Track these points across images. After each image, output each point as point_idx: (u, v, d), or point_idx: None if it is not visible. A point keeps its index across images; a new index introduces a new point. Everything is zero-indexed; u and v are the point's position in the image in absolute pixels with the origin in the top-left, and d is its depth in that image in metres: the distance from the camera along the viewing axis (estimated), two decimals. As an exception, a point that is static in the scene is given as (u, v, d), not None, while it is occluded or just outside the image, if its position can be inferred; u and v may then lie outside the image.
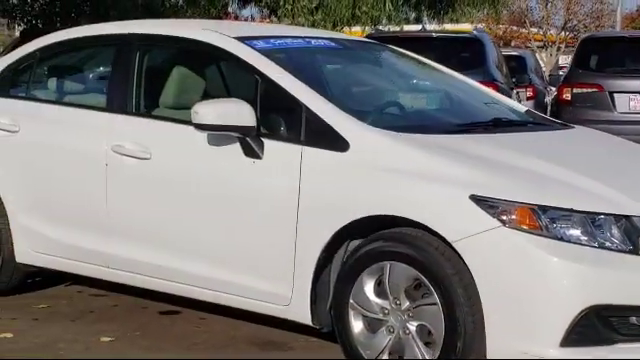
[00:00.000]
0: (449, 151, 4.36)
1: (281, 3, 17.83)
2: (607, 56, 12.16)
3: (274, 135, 4.73)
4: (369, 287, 4.35)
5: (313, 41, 5.49)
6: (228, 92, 5.15)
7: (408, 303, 4.26)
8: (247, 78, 4.97)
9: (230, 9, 21.67)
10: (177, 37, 5.35)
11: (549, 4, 54.53)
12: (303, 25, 16.88)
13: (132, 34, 5.47)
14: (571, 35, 55.06)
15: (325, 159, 4.48)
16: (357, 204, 4.34)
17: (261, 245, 4.67)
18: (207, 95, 5.27)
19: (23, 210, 5.70)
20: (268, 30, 6.07)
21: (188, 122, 4.96)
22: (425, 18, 20.40)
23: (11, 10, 17.64)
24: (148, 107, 5.38)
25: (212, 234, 4.86)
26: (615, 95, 11.55)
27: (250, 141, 4.66)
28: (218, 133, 4.71)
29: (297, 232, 4.51)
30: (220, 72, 5.53)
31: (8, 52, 11.38)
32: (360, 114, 4.61)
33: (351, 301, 4.39)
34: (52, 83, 5.92)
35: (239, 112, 4.62)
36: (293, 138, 4.63)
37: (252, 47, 5.00)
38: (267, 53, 4.95)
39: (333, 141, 4.48)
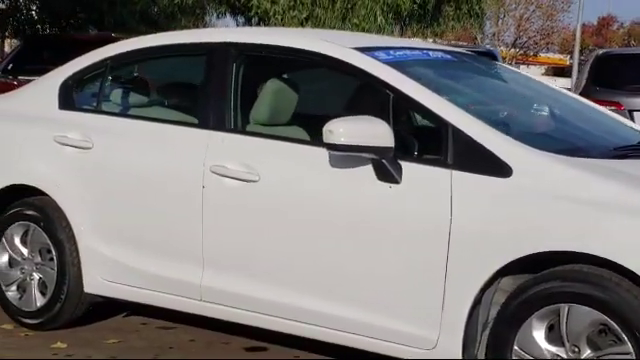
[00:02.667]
0: (630, 177, 3.75)
1: (271, 14, 17.15)
2: (625, 73, 11.66)
3: (413, 157, 4.09)
4: (539, 332, 3.73)
5: (430, 53, 4.84)
6: (348, 109, 4.47)
7: (590, 351, 3.63)
8: (373, 93, 4.32)
9: (216, 20, 20.95)
10: (285, 47, 4.67)
11: (500, 21, 54.55)
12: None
13: (229, 43, 4.77)
14: (521, 52, 55.24)
15: (482, 185, 3.85)
16: (525, 238, 3.72)
17: (399, 281, 4.03)
18: (322, 112, 4.60)
19: (95, 235, 5.00)
20: (373, 40, 5.38)
21: (305, 141, 4.39)
22: (409, 32, 19.89)
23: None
24: (252, 124, 4.70)
25: (335, 268, 4.21)
26: (635, 114, 11.05)
27: (387, 164, 4.01)
28: (351, 154, 4.03)
29: (447, 268, 3.88)
30: (337, 86, 4.87)
31: (12, 57, 10.63)
32: (515, 135, 3.98)
33: (515, 348, 3.76)
34: (128, 95, 5.23)
35: (377, 131, 3.98)
36: (438, 161, 3.99)
37: (376, 59, 4.34)
38: (395, 65, 4.31)
39: (491, 165, 3.85)
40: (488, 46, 12.21)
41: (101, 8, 15.21)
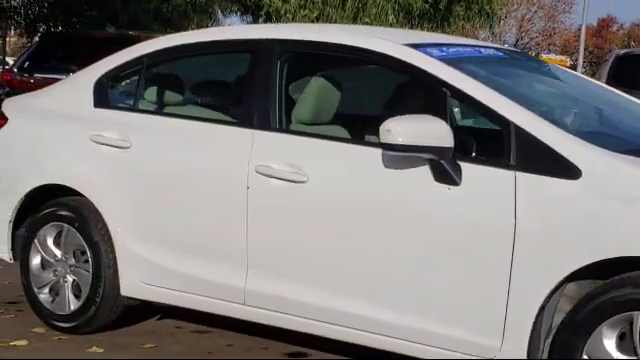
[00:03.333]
0: None
1: (282, 12, 16.98)
2: (646, 73, 11.51)
3: (472, 158, 3.91)
4: (610, 341, 3.55)
5: (482, 50, 4.66)
6: (397, 107, 4.29)
7: (665, 361, 3.45)
8: (426, 91, 4.13)
9: (224, 18, 20.78)
10: (334, 44, 4.48)
11: (502, 21, 54.43)
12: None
13: (274, 40, 4.58)
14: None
15: (550, 188, 3.67)
16: (596, 243, 3.54)
17: (458, 287, 3.84)
18: (366, 112, 4.41)
19: (132, 236, 4.82)
20: (422, 37, 5.20)
21: (356, 141, 4.23)
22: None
23: (11, 13, 16.53)
24: (294, 123, 4.51)
25: (388, 273, 4.02)
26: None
27: (446, 164, 3.83)
28: (409, 155, 3.85)
29: (511, 274, 3.70)
30: (387, 84, 4.68)
31: (28, 55, 10.45)
32: (581, 135, 3.80)
33: (585, 357, 3.58)
34: (166, 93, 5.02)
35: (436, 131, 3.80)
36: (499, 162, 3.81)
37: (430, 55, 4.16)
38: (449, 62, 4.12)
39: (558, 166, 3.67)
40: (506, 45, 12.00)
41: (115, 6, 15.03)
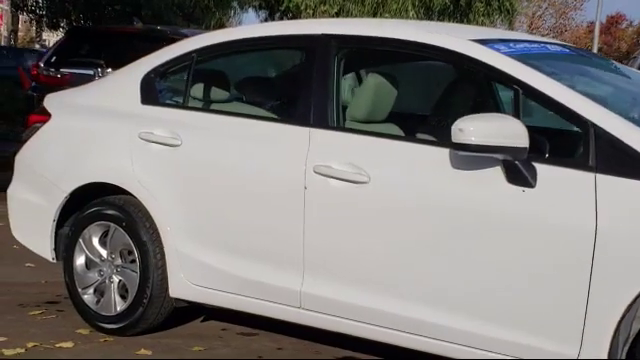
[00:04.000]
0: None
1: (302, 8, 16.80)
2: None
3: (547, 158, 3.74)
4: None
5: (549, 46, 4.49)
6: (462, 105, 4.13)
7: None
8: (495, 89, 3.96)
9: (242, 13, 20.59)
10: (395, 40, 4.31)
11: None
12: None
13: (331, 35, 4.41)
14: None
15: (632, 190, 3.50)
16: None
17: (533, 293, 3.68)
18: (435, 109, 4.25)
19: (182, 236, 4.66)
20: (485, 32, 5.01)
21: (421, 140, 4.09)
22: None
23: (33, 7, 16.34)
24: (352, 120, 4.36)
25: (456, 278, 3.85)
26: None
27: (520, 165, 3.66)
28: (482, 155, 3.68)
29: (591, 280, 3.53)
30: (452, 81, 4.51)
31: (55, 50, 10.29)
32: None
33: (668, 367, 3.41)
34: (216, 90, 4.86)
35: (511, 131, 3.64)
36: (577, 163, 3.64)
37: (498, 51, 3.99)
38: (519, 59, 3.95)
39: None
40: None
41: (137, 1, 14.84)
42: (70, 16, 16.31)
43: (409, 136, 4.33)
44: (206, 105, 4.86)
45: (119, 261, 4.92)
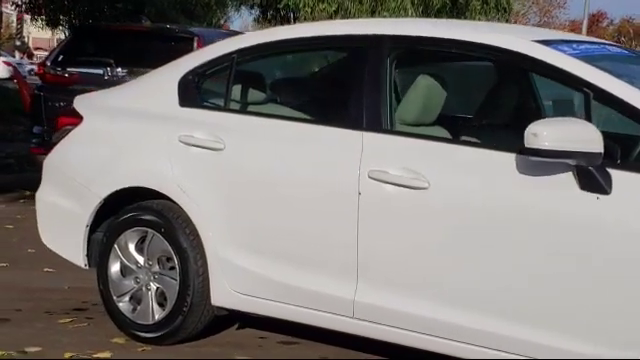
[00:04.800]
0: None
1: (300, 6, 16.61)
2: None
3: (621, 165, 3.58)
4: None
5: (609, 47, 4.34)
6: (524, 108, 3.97)
7: None
8: (563, 91, 3.80)
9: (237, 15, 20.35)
10: (453, 40, 4.14)
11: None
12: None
13: (384, 36, 4.24)
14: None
15: None
16: None
17: (612, 307, 3.52)
18: (482, 111, 4.08)
19: (225, 243, 4.49)
20: (544, 33, 4.84)
21: (481, 145, 3.94)
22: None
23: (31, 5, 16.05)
24: (401, 124, 4.18)
25: (526, 288, 3.71)
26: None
27: (595, 172, 3.50)
28: (555, 161, 3.52)
29: None
30: (513, 83, 4.35)
31: (61, 49, 10.06)
32: None
33: None
34: (261, 92, 4.69)
35: (586, 135, 3.48)
36: None
37: (563, 53, 3.84)
38: (586, 60, 3.79)
39: None
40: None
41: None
42: (70, 14, 16.04)
43: (467, 140, 4.17)
44: (249, 107, 4.69)
45: (157, 268, 4.74)
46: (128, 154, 4.80)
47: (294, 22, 17.84)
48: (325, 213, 4.18)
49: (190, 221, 4.58)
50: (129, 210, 4.80)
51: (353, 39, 4.39)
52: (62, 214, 5.04)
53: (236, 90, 4.69)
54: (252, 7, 20.05)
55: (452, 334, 3.90)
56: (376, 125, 4.12)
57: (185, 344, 4.76)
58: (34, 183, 10.33)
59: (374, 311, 4.08)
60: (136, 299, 4.81)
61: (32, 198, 9.50)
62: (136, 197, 4.81)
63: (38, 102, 9.76)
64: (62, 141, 5.14)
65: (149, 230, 4.71)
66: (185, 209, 4.59)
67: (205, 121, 4.60)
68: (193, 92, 4.75)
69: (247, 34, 4.92)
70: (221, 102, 4.70)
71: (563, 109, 4.67)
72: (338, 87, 4.52)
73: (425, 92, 4.26)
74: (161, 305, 4.73)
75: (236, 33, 10.84)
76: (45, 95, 9.67)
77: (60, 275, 6.15)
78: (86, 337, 4.88)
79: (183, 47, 9.34)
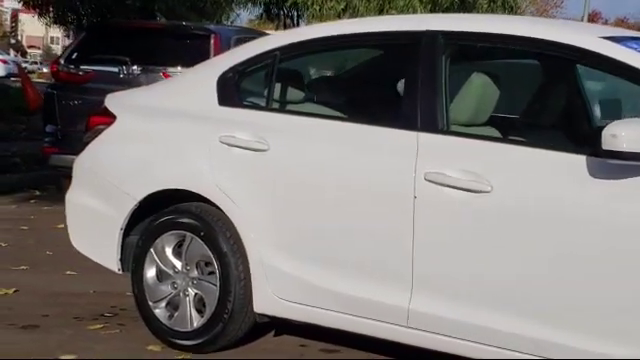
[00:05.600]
0: None
1: (309, 4, 16.40)
2: None
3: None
4: None
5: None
6: (577, 107, 3.77)
7: None
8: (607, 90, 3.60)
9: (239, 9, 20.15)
10: (515, 36, 3.94)
11: (493, 15, 53.91)
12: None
13: (438, 31, 4.03)
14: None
15: None
16: None
17: None
18: (533, 110, 3.87)
19: (269, 247, 4.28)
20: (605, 30, 4.64)
21: (545, 146, 3.69)
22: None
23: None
24: (458, 124, 3.98)
25: (599, 299, 3.49)
26: None
27: None
28: (635, 164, 3.33)
29: None
30: (567, 82, 4.15)
31: (76, 46, 9.81)
32: None
33: None
34: (305, 91, 4.49)
35: None
36: None
37: (635, 50, 3.63)
38: None
39: None
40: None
41: (152, -6, 14.37)
42: (79, 11, 15.76)
43: (521, 140, 3.97)
44: (293, 107, 4.48)
45: (195, 273, 4.53)
46: (165, 155, 4.60)
47: (298, 20, 17.63)
48: (378, 217, 3.98)
49: (231, 224, 4.38)
50: (166, 213, 4.59)
51: (404, 35, 4.18)
52: (94, 217, 4.83)
53: (279, 89, 4.48)
54: (261, 5, 19.77)
55: (513, 345, 3.69)
56: (432, 125, 3.91)
57: (224, 352, 4.54)
58: (42, 182, 10.24)
59: (430, 320, 3.88)
60: (173, 305, 4.61)
61: (42, 198, 9.44)
62: (171, 199, 4.60)
63: (51, 100, 9.49)
64: (94, 141, 4.92)
65: (187, 234, 4.50)
66: (226, 212, 4.38)
67: (247, 121, 4.39)
68: (233, 91, 4.54)
69: (290, 30, 4.69)
70: (263, 101, 4.50)
71: (611, 108, 4.49)
72: (388, 86, 4.31)
73: (480, 91, 4.06)
74: (199, 311, 4.52)
75: (253, 31, 10.61)
76: (58, 93, 9.42)
77: (83, 278, 5.96)
78: (121, 344, 4.69)
79: (200, 45, 9.14)
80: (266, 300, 4.32)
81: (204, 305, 4.50)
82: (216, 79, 4.58)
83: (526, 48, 3.95)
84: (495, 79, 4.12)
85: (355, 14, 16.83)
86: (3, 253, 6.82)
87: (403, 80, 4.19)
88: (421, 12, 16.85)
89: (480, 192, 3.70)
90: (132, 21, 11.96)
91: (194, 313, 4.53)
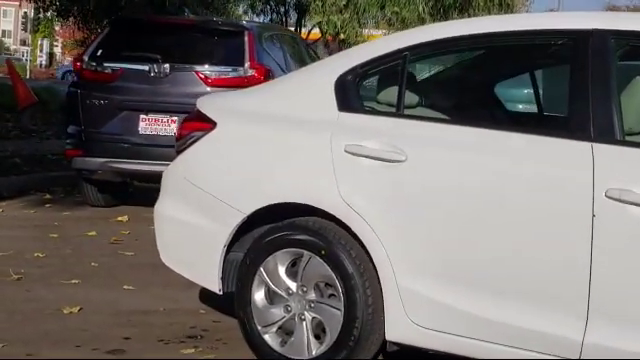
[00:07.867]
0: None
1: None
2: None
3: None
4: None
5: None
6: None
7: None
8: None
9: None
10: None
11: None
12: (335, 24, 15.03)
13: (606, 31, 3.54)
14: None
15: None
16: None
17: None
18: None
19: (407, 269, 3.77)
20: None
21: None
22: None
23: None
24: (629, 133, 3.48)
25: None
26: None
27: None
28: None
29: None
30: None
31: (99, 43, 9.16)
32: None
33: None
34: (445, 96, 3.98)
35: None
36: None
37: None
38: None
39: None
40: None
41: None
42: (85, 5, 14.98)
43: None
44: (429, 112, 3.95)
45: (312, 295, 4.01)
46: (279, 165, 4.06)
47: (298, 16, 17.07)
48: (545, 238, 3.48)
49: (357, 243, 3.84)
50: (279, 229, 4.04)
51: (565, 34, 3.67)
52: (191, 231, 4.29)
53: (411, 92, 3.95)
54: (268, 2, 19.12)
55: None
56: (608, 135, 3.43)
57: (345, 381, 4.01)
58: (49, 184, 9.60)
59: (607, 354, 3.37)
60: (285, 330, 4.07)
61: (56, 202, 8.78)
62: (278, 214, 4.06)
63: (75, 100, 8.82)
64: (190, 149, 4.35)
65: (305, 252, 3.98)
66: (353, 229, 3.86)
67: (377, 128, 3.85)
68: (354, 95, 4.02)
69: (420, 28, 4.16)
70: (393, 106, 3.95)
71: None
72: (548, 90, 3.80)
73: None
74: (317, 337, 3.99)
75: (281, 29, 10.04)
76: (82, 92, 8.75)
77: (143, 294, 5.48)
78: (225, 372, 4.15)
79: (232, 42, 8.60)
80: (401, 327, 3.82)
81: (323, 330, 3.97)
82: (334, 82, 4.05)
83: None
84: None
85: (357, 10, 16.33)
86: (47, 265, 6.26)
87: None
88: (423, 10, 16.41)
89: (672, 212, 3.21)
90: (160, 16, 11.31)
91: (312, 339, 3.99)
